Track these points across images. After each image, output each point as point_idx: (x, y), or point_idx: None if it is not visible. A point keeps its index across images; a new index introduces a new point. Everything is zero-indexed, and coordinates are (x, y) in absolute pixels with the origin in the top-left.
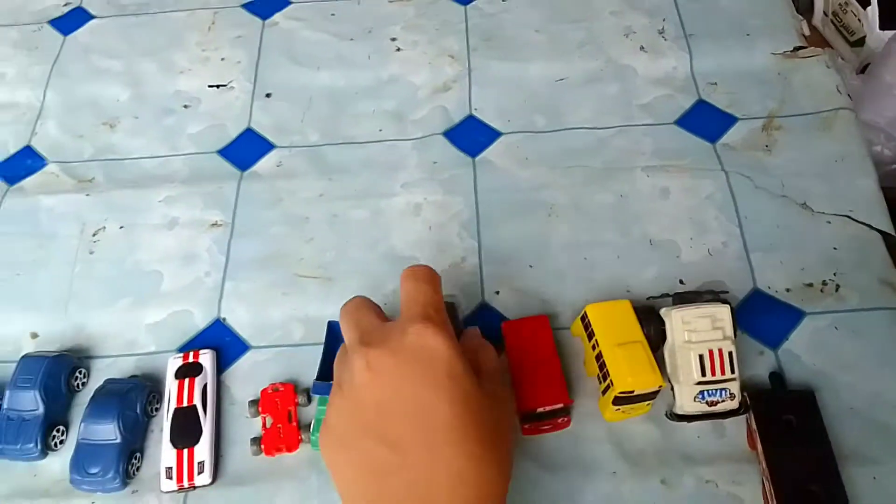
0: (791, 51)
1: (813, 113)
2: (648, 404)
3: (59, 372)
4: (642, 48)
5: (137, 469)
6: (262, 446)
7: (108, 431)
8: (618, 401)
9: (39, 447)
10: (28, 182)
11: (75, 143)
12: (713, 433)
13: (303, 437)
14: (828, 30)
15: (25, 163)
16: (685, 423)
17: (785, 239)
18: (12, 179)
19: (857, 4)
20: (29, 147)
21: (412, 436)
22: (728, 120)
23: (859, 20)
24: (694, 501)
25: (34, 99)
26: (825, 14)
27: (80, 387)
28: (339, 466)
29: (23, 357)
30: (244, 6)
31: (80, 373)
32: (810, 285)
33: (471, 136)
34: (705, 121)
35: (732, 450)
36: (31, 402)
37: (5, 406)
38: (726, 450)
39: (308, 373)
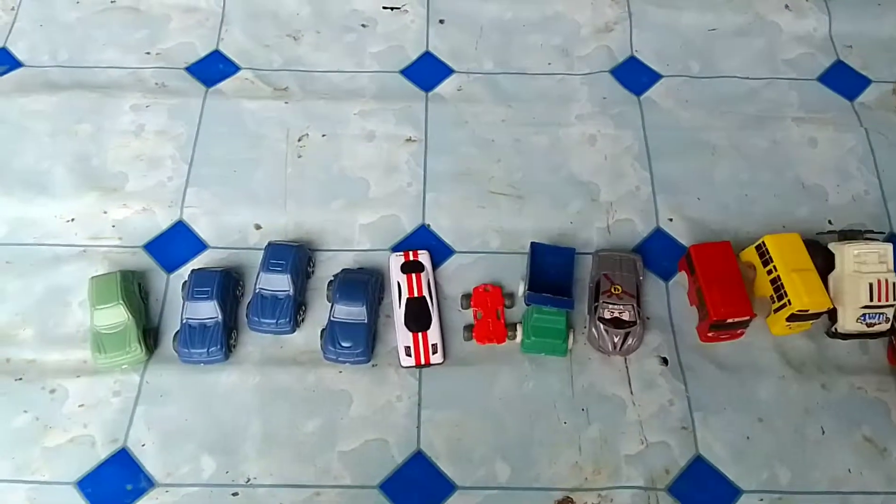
0: None
1: None
2: (811, 323)
3: (303, 259)
4: (787, 7)
5: (373, 347)
6: (474, 335)
7: (359, 313)
8: (792, 318)
9: (292, 322)
10: (225, 86)
11: (263, 53)
12: (859, 350)
13: (509, 334)
14: None
15: (218, 67)
16: (841, 340)
17: None
18: (208, 82)
19: None
20: (218, 52)
21: None
22: (863, 81)
23: None
24: (848, 403)
25: (214, 5)
26: None
27: (311, 273)
28: None
29: (270, 244)
30: None
31: (311, 261)
32: None
33: (634, 76)
34: (843, 80)
35: (876, 364)
36: (283, 283)
37: (259, 286)
38: (871, 364)
39: (507, 278)
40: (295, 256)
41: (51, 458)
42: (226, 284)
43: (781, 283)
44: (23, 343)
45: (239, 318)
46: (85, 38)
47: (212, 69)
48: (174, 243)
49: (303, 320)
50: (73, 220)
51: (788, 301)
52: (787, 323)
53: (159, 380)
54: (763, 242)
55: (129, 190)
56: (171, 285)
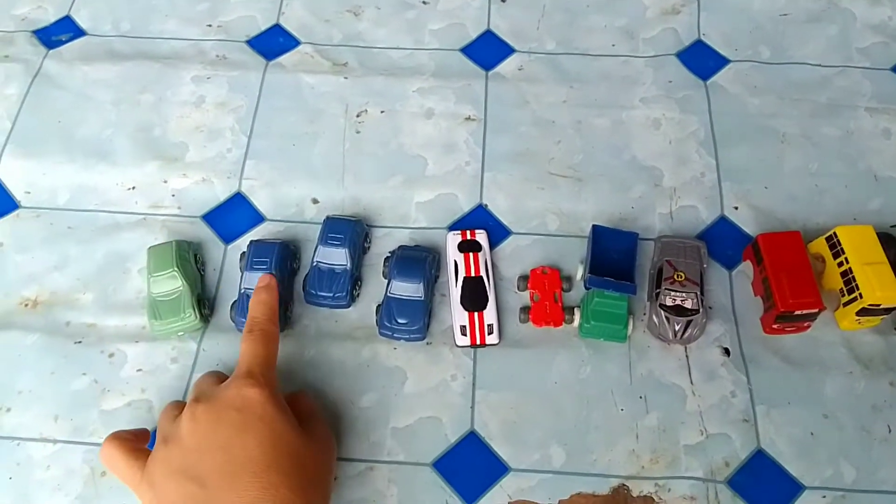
0: None
1: None
2: (881, 318)
3: (360, 234)
4: None
5: (429, 325)
6: (531, 317)
7: (416, 290)
8: (863, 312)
9: (348, 297)
10: (285, 59)
11: (323, 28)
12: None
13: (566, 317)
14: None
15: (278, 40)
16: None
17: None
18: (269, 55)
19: None
20: (278, 26)
21: (217, 469)
22: None
23: None
24: None
25: None
26: None
27: (367, 249)
28: None
29: (328, 218)
30: None
31: (368, 237)
32: None
33: (701, 60)
34: None
35: None
36: (341, 257)
37: (317, 259)
38: None
39: (565, 261)
40: (353, 231)
41: (108, 420)
42: (284, 256)
43: (853, 276)
44: (83, 307)
45: (295, 291)
46: (147, 9)
47: (272, 42)
48: (232, 214)
49: (358, 295)
50: (133, 188)
51: (860, 294)
52: (857, 317)
53: (217, 348)
54: (834, 233)
55: (189, 160)
56: (228, 256)
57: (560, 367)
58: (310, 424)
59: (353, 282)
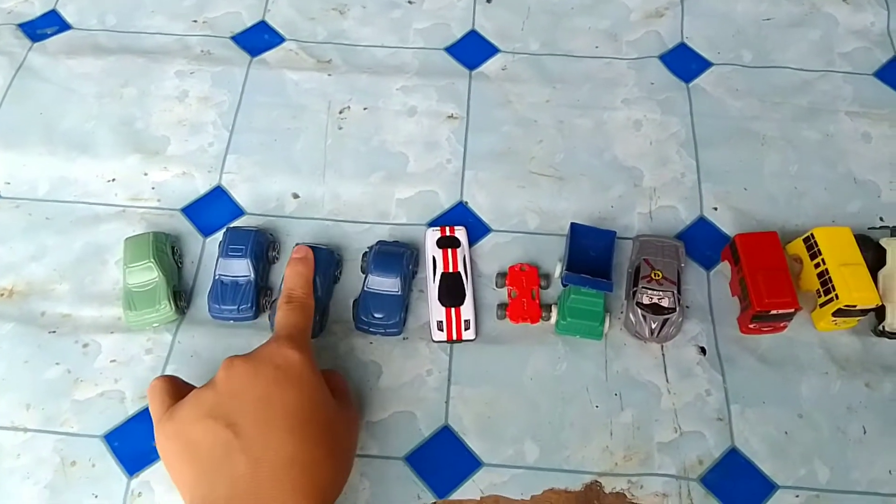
0: None
1: None
2: (858, 319)
3: (332, 263)
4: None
5: (405, 320)
6: (508, 313)
7: (393, 284)
8: (838, 313)
9: (320, 293)
10: (269, 56)
11: (309, 25)
12: None
13: (544, 314)
14: None
15: (263, 37)
16: (888, 339)
17: None
18: (253, 51)
19: None
20: (264, 22)
21: (253, 419)
22: None
23: None
24: (892, 403)
25: None
26: None
27: (338, 279)
28: (176, 449)
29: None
30: None
31: (339, 265)
32: None
33: (683, 62)
34: None
35: None
36: (326, 255)
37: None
38: None
39: (544, 259)
40: (324, 260)
41: (80, 410)
42: (259, 243)
43: (829, 277)
44: (59, 298)
45: (272, 281)
46: (134, 4)
47: (257, 39)
48: (212, 208)
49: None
50: (113, 180)
51: (836, 295)
52: (833, 318)
53: (192, 340)
54: (812, 235)
55: (170, 154)
56: (206, 249)
57: (536, 364)
58: (341, 400)
59: (333, 278)
